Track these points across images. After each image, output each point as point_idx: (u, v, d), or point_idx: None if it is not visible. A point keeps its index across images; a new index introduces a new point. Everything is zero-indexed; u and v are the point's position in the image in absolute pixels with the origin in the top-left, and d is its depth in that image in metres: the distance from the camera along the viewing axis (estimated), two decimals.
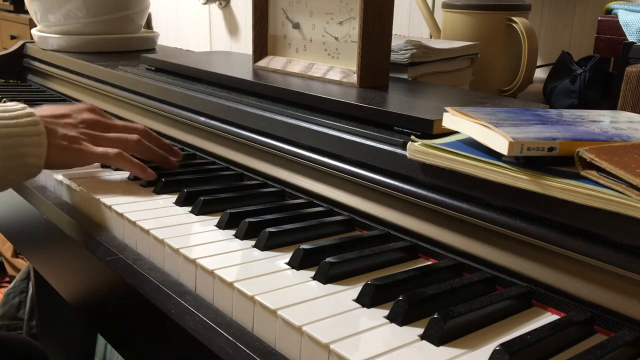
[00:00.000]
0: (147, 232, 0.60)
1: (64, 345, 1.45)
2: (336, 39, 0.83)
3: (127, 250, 0.62)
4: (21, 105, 0.67)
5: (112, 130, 0.74)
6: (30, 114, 0.66)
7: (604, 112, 0.61)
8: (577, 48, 1.16)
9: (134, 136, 0.73)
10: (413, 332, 0.43)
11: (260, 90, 0.79)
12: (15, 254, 2.12)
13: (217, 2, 2.03)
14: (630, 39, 0.87)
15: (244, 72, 0.88)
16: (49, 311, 1.43)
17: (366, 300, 0.47)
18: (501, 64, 1.02)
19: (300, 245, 0.54)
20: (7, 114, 0.65)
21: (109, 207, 0.66)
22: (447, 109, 0.56)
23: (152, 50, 1.36)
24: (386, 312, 0.46)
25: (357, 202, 0.63)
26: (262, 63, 0.92)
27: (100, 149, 0.70)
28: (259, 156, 0.75)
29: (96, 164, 0.78)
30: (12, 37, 2.66)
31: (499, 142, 0.47)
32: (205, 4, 2.03)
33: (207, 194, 0.67)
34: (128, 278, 0.56)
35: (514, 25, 0.98)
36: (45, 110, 0.70)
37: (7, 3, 2.76)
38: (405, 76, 0.86)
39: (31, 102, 1.17)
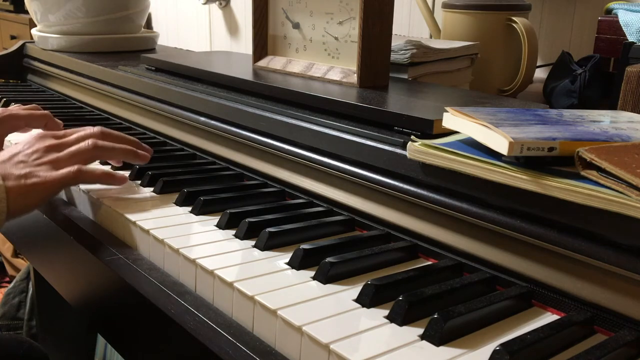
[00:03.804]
0: (147, 232, 0.60)
1: (64, 345, 1.45)
2: (336, 39, 0.83)
3: (128, 250, 0.62)
4: None
5: (66, 147, 0.69)
6: None
7: (604, 112, 0.61)
8: (577, 48, 1.16)
9: (89, 142, 0.70)
10: (413, 332, 0.43)
11: (260, 90, 0.79)
12: (15, 254, 2.12)
13: (217, 2, 2.03)
14: (630, 39, 0.87)
15: (244, 72, 0.89)
16: (49, 311, 1.43)
17: (366, 300, 0.47)
18: (501, 64, 1.02)
19: (300, 245, 0.54)
20: None
21: (109, 207, 0.66)
22: (447, 109, 0.56)
23: (152, 50, 1.36)
24: (386, 312, 0.46)
25: (357, 202, 0.63)
26: (262, 63, 0.92)
27: (59, 173, 0.65)
28: (259, 156, 0.75)
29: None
30: (12, 37, 2.66)
31: (499, 142, 0.47)
32: (205, 4, 2.03)
33: (207, 194, 0.67)
34: (128, 278, 0.56)
35: (514, 25, 0.98)
36: None
37: (7, 3, 2.76)
38: (405, 76, 0.86)
39: (31, 102, 1.17)
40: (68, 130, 0.73)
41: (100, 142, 0.70)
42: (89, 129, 0.73)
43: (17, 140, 0.90)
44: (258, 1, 0.90)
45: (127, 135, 0.75)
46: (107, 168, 0.74)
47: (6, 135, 0.83)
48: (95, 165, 0.75)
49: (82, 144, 0.70)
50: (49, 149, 0.69)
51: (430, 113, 0.61)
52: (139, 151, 0.73)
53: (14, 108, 0.85)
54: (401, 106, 0.66)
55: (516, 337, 0.41)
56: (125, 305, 0.58)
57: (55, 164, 0.67)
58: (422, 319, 0.45)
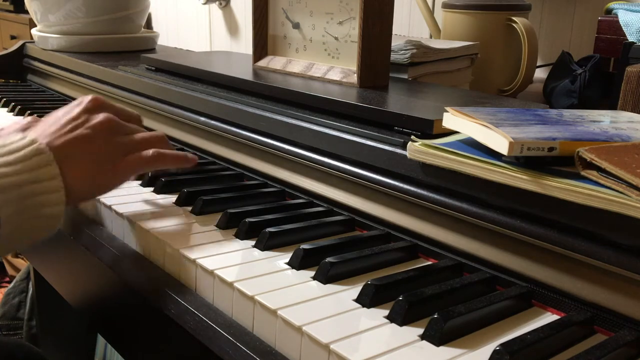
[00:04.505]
0: (147, 231, 0.60)
1: (64, 345, 1.45)
2: (336, 39, 0.83)
3: (127, 250, 0.61)
4: (26, 139, 0.52)
5: (130, 130, 0.61)
6: (37, 151, 0.51)
7: (604, 112, 0.61)
8: (577, 48, 1.16)
9: (160, 132, 0.63)
10: (413, 332, 0.43)
11: (260, 90, 0.79)
12: (15, 254, 2.12)
13: (217, 2, 2.03)
14: (630, 39, 0.87)
15: (244, 72, 0.89)
16: (49, 311, 1.43)
17: (366, 300, 0.47)
18: (501, 64, 1.02)
19: (300, 245, 0.55)
20: (11, 157, 0.50)
21: (109, 207, 0.66)
22: (447, 109, 0.56)
23: (152, 50, 1.36)
24: (386, 312, 0.46)
25: (357, 202, 0.63)
26: (262, 63, 0.92)
27: (136, 157, 0.57)
28: (259, 156, 0.75)
29: None
30: (12, 37, 2.66)
31: (499, 142, 0.47)
32: (205, 4, 2.03)
33: (207, 194, 0.67)
34: (128, 278, 0.56)
35: (514, 25, 0.98)
36: (48, 126, 0.55)
37: (7, 3, 2.76)
38: (405, 76, 0.86)
39: (31, 102, 1.17)
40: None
41: (167, 140, 0.64)
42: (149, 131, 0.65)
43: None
44: (258, 1, 0.90)
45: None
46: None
47: None
48: None
49: (154, 133, 0.62)
50: (116, 126, 0.58)
51: (430, 113, 0.61)
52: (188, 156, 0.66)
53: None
54: (401, 106, 0.66)
55: (516, 337, 0.41)
56: (125, 305, 0.58)
57: (128, 148, 0.58)
58: (422, 319, 0.45)
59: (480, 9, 1.00)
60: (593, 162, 0.45)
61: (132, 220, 0.62)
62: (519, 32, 0.97)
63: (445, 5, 1.05)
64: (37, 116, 0.92)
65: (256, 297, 0.47)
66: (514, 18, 0.98)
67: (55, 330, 1.44)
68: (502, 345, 0.40)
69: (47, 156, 0.51)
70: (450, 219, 0.54)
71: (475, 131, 0.51)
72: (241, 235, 0.59)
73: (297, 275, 0.52)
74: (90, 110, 0.58)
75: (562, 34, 1.20)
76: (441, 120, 0.57)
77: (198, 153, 0.85)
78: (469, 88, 0.98)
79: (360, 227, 0.63)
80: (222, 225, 0.61)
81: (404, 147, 0.57)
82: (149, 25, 2.34)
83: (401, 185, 0.57)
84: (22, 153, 0.50)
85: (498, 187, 0.48)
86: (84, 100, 0.60)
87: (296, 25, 0.87)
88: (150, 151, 0.59)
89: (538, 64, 1.03)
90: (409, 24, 1.44)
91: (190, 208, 0.66)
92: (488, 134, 0.49)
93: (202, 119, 0.83)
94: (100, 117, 0.58)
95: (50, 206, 0.51)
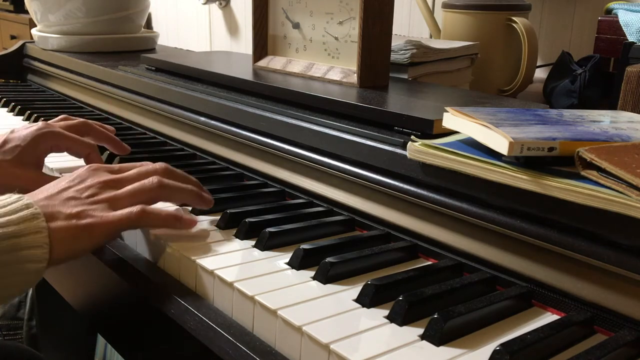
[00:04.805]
0: (147, 232, 0.59)
1: (64, 345, 1.45)
2: (336, 39, 0.83)
3: (127, 250, 0.61)
4: (15, 196, 0.52)
5: (125, 184, 0.59)
6: (26, 206, 0.51)
7: (604, 112, 0.61)
8: (577, 48, 1.16)
9: (153, 180, 0.59)
10: (413, 332, 0.43)
11: (260, 90, 0.80)
12: None
13: (217, 2, 2.03)
14: (630, 39, 0.87)
15: (244, 72, 0.89)
16: (49, 311, 1.43)
17: (366, 300, 0.47)
18: (501, 64, 1.02)
19: (300, 245, 0.54)
20: None
21: None
22: (447, 109, 0.56)
23: (152, 50, 1.36)
24: (386, 312, 0.46)
25: (357, 202, 0.63)
26: (262, 63, 0.92)
27: (119, 213, 0.55)
28: (259, 156, 0.75)
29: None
30: (12, 37, 2.66)
31: (499, 142, 0.47)
32: (205, 4, 2.03)
33: None
34: (128, 278, 0.56)
35: (514, 25, 0.98)
36: (41, 192, 0.56)
37: (7, 3, 2.76)
38: (405, 76, 0.86)
39: (31, 102, 1.17)
40: (124, 165, 0.63)
41: (166, 181, 0.60)
42: (151, 165, 0.62)
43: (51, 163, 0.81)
44: (258, 1, 0.90)
45: (189, 175, 0.64)
46: (172, 208, 0.64)
47: (47, 154, 0.72)
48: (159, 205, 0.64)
49: (146, 182, 0.59)
50: (105, 185, 0.58)
51: (430, 113, 0.61)
52: (203, 194, 0.63)
53: (58, 123, 0.75)
54: (401, 106, 0.66)
55: (516, 337, 0.41)
56: (125, 306, 0.58)
57: (113, 203, 0.57)
58: (422, 319, 0.45)
59: (480, 9, 1.00)
60: (593, 162, 0.45)
61: None
62: (519, 32, 0.97)
63: (445, 5, 1.05)
64: (37, 116, 0.92)
65: (256, 297, 0.47)
66: (514, 18, 0.98)
67: (55, 330, 1.44)
68: (502, 345, 0.40)
69: (34, 209, 0.51)
70: (450, 219, 0.54)
71: (475, 131, 0.51)
72: (241, 235, 0.59)
73: (297, 275, 0.52)
74: (82, 176, 0.59)
75: (562, 34, 1.20)
76: (441, 120, 0.57)
77: (198, 153, 0.85)
78: (469, 88, 0.98)
79: (360, 227, 0.63)
80: (222, 225, 0.61)
81: (404, 147, 0.57)
82: (149, 25, 2.35)
83: (401, 185, 0.57)
84: (8, 207, 0.50)
85: (498, 187, 0.48)
86: (80, 170, 0.61)
87: (296, 25, 0.87)
88: (135, 210, 0.56)
89: (538, 64, 1.03)
90: (409, 24, 1.44)
91: (190, 208, 0.66)
92: (488, 134, 0.49)
93: (202, 119, 0.83)
94: (89, 180, 0.58)
95: (33, 262, 0.49)
